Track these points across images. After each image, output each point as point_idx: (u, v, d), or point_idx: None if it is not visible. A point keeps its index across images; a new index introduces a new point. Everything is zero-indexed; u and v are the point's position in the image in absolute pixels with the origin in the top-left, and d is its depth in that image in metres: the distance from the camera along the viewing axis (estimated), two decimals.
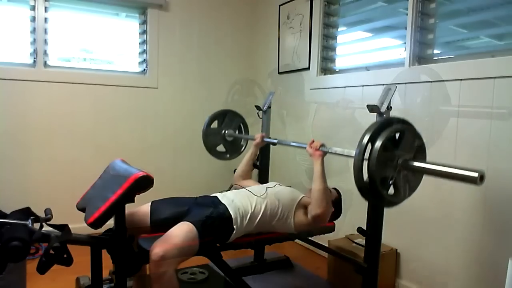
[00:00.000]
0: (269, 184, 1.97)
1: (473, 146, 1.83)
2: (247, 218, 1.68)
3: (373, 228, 1.66)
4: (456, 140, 1.91)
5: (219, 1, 3.39)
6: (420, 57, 2.12)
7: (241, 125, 2.54)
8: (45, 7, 2.73)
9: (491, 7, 1.92)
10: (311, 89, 2.87)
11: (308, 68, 2.88)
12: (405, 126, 1.30)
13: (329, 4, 2.77)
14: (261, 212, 1.72)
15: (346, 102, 2.40)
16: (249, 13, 3.53)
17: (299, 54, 2.98)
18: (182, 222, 1.51)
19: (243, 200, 1.73)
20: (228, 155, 2.53)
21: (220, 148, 2.54)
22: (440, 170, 1.18)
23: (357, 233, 1.76)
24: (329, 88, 2.71)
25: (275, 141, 2.04)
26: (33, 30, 2.72)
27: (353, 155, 1.25)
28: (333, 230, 2.01)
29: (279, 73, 3.23)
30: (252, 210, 1.70)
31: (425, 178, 2.04)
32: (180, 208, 1.69)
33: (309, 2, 2.83)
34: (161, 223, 1.64)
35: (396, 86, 1.55)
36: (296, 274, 2.42)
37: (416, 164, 1.25)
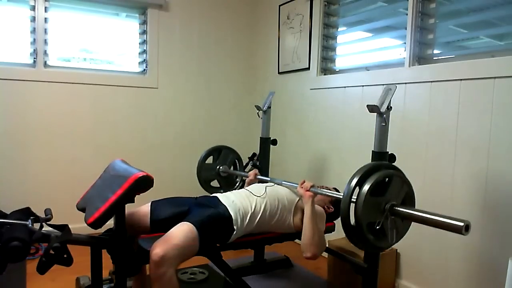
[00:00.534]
0: (268, 183, 1.97)
1: (473, 146, 1.83)
2: (247, 219, 1.68)
3: None
4: (456, 140, 1.91)
5: (219, 1, 3.39)
6: (420, 57, 2.12)
7: (236, 161, 2.55)
8: (45, 7, 2.73)
9: (491, 7, 1.92)
10: (311, 89, 2.88)
11: (308, 68, 2.88)
12: (394, 172, 1.31)
13: (329, 4, 2.77)
14: (261, 212, 1.72)
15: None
16: (249, 13, 3.53)
17: (299, 54, 2.98)
18: (182, 222, 1.51)
19: (243, 200, 1.74)
20: (221, 191, 2.53)
21: (214, 183, 2.54)
22: (427, 218, 1.19)
23: None
24: (329, 88, 2.71)
25: (268, 179, 2.06)
26: (33, 30, 2.72)
27: (341, 196, 1.26)
28: (333, 230, 2.01)
29: (279, 73, 3.23)
30: (252, 210, 1.71)
31: (426, 176, 2.04)
32: (180, 208, 1.69)
33: (309, 2, 2.84)
34: (161, 223, 1.64)
35: (396, 86, 1.55)
36: (296, 274, 2.42)
37: (403, 210, 1.25)
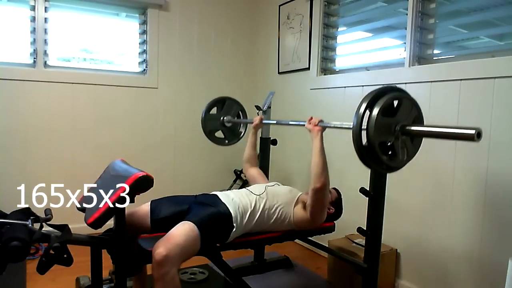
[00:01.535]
0: (269, 183, 1.97)
1: (473, 146, 1.83)
2: (247, 217, 1.68)
3: (373, 228, 1.66)
4: (456, 140, 1.90)
5: (219, 1, 3.39)
6: (420, 57, 2.12)
7: (240, 112, 2.56)
8: (45, 7, 2.73)
9: (491, 7, 1.92)
10: (311, 89, 2.88)
11: (308, 68, 2.88)
12: (401, 94, 1.30)
13: (329, 4, 2.77)
14: (260, 211, 1.73)
15: None
16: (249, 13, 3.53)
17: (299, 54, 2.98)
18: (183, 221, 1.51)
19: (242, 198, 1.74)
20: (226, 141, 2.56)
21: (219, 134, 2.57)
22: (438, 131, 1.20)
23: (357, 233, 1.76)
24: (329, 88, 2.71)
25: (274, 121, 2.06)
26: (33, 30, 2.72)
27: (351, 126, 1.27)
28: (333, 230, 2.01)
29: (279, 73, 3.23)
30: (252, 209, 1.71)
31: (426, 176, 2.04)
32: (180, 207, 1.69)
33: (309, 2, 2.84)
34: (161, 222, 1.64)
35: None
36: (296, 274, 2.42)
37: (413, 128, 1.26)
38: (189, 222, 1.50)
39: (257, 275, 2.34)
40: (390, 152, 1.28)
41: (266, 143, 2.41)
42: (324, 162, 1.68)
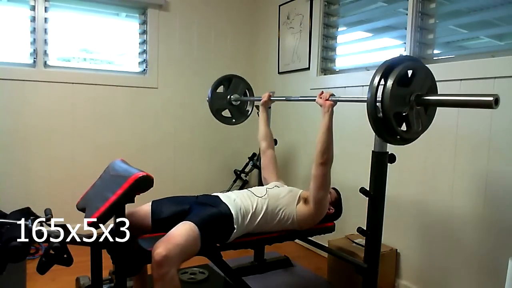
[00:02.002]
0: (269, 185, 1.97)
1: (473, 146, 1.83)
2: (248, 218, 1.68)
3: (373, 228, 1.66)
4: (456, 140, 1.91)
5: (219, 1, 3.39)
6: (420, 57, 2.12)
7: (247, 91, 2.55)
8: (45, 7, 2.73)
9: (491, 7, 1.92)
10: (311, 89, 2.87)
11: (308, 68, 2.88)
12: (416, 64, 1.29)
13: (329, 4, 2.77)
14: (262, 213, 1.72)
15: None
16: (249, 13, 3.53)
17: (299, 54, 2.98)
18: (183, 221, 1.51)
19: (244, 200, 1.74)
20: (234, 120, 2.55)
21: (226, 113, 2.56)
22: (455, 99, 1.19)
23: (357, 233, 1.76)
24: (329, 88, 2.71)
25: (283, 98, 2.05)
26: (33, 30, 2.72)
27: (365, 98, 1.25)
28: (333, 230, 2.01)
29: (279, 73, 3.23)
30: (253, 210, 1.71)
31: (426, 176, 2.04)
32: (181, 207, 1.70)
33: (309, 2, 2.84)
34: (162, 222, 1.64)
35: None
36: (296, 274, 2.42)
37: (429, 97, 1.25)
38: (189, 222, 1.50)
39: (257, 275, 2.34)
40: (404, 123, 1.27)
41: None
42: (330, 140, 1.67)
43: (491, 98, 1.06)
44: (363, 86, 2.43)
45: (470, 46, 2.18)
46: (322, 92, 1.76)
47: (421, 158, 2.07)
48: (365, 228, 1.69)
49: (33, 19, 2.72)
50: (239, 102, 2.53)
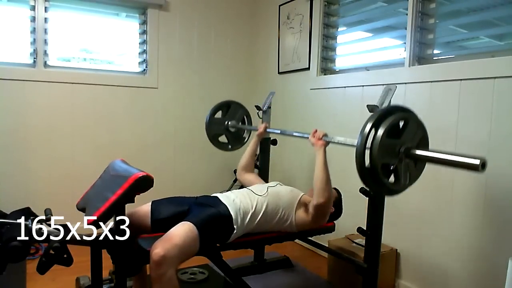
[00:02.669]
0: (271, 183, 1.97)
1: (473, 146, 1.83)
2: (248, 218, 1.68)
3: (373, 228, 1.66)
4: (456, 140, 1.91)
5: (219, 1, 3.39)
6: (420, 57, 2.12)
7: (245, 117, 2.54)
8: (45, 7, 2.73)
9: (491, 7, 1.92)
10: (311, 89, 2.88)
11: (308, 68, 2.88)
12: (408, 115, 1.29)
13: (329, 4, 2.77)
14: (262, 212, 1.72)
15: None
16: (249, 13, 3.53)
17: (299, 54, 2.98)
18: (182, 222, 1.51)
19: (243, 199, 1.73)
20: (230, 146, 2.53)
21: (223, 138, 2.54)
22: (442, 158, 1.18)
23: (357, 233, 1.76)
24: (329, 88, 2.71)
25: (278, 131, 2.06)
26: (33, 30, 2.72)
27: (355, 144, 1.25)
28: (333, 230, 2.01)
29: (279, 73, 3.23)
30: (253, 210, 1.71)
31: (426, 176, 2.04)
32: (181, 207, 1.69)
33: (309, 2, 2.84)
34: (161, 222, 1.64)
35: (396, 86, 1.55)
36: (296, 274, 2.42)
37: (418, 152, 1.24)
38: (188, 222, 1.50)
39: (257, 275, 2.34)
40: (392, 175, 1.26)
41: (266, 143, 2.41)
42: (327, 177, 1.68)
43: (477, 162, 1.06)
44: (363, 86, 2.43)
45: (470, 46, 2.18)
46: (316, 131, 1.77)
47: None
48: (365, 228, 1.69)
49: (33, 19, 2.72)
50: (236, 129, 2.51)
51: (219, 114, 2.50)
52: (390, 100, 1.52)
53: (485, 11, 1.95)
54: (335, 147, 2.60)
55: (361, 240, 2.12)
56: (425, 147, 1.32)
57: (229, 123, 2.49)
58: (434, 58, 2.09)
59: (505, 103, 1.71)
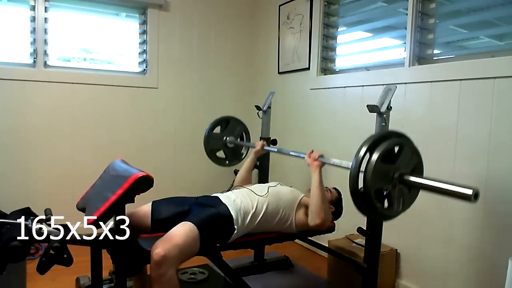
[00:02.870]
0: (271, 183, 1.97)
1: (473, 146, 1.83)
2: (248, 218, 1.68)
3: (373, 228, 1.66)
4: (456, 140, 1.91)
5: (219, 1, 3.39)
6: (420, 57, 2.12)
7: (244, 133, 2.55)
8: (45, 7, 2.73)
9: (491, 7, 1.92)
10: (311, 89, 2.88)
11: (308, 68, 2.88)
12: (403, 140, 1.30)
13: (329, 4, 2.77)
14: (262, 212, 1.72)
15: None
16: (249, 13, 3.53)
17: (299, 54, 2.98)
18: (183, 222, 1.51)
19: (244, 200, 1.73)
20: (227, 162, 2.53)
21: (220, 154, 2.55)
22: (435, 186, 1.18)
23: (357, 233, 1.76)
24: (329, 88, 2.71)
25: (275, 149, 2.08)
26: (33, 30, 2.72)
27: (350, 166, 1.26)
28: (333, 230, 2.01)
29: (279, 73, 3.23)
30: (254, 210, 1.71)
31: (425, 174, 2.04)
32: (181, 208, 1.69)
33: (309, 2, 2.84)
34: (161, 223, 1.64)
35: (396, 86, 1.55)
36: (296, 274, 2.42)
37: (411, 178, 1.25)
38: (188, 222, 1.50)
39: (257, 275, 2.34)
40: (386, 200, 1.26)
41: (266, 143, 2.41)
42: (323, 197, 1.69)
43: (470, 192, 1.07)
44: (363, 86, 2.43)
45: (470, 46, 2.18)
46: (312, 151, 1.77)
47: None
48: (365, 228, 1.69)
49: (33, 19, 2.72)
50: (234, 145, 2.51)
51: (217, 129, 2.51)
52: (390, 101, 1.52)
53: (485, 11, 1.95)
54: (337, 144, 2.61)
55: (361, 240, 2.12)
56: (420, 173, 1.33)
57: (228, 138, 2.50)
58: (434, 58, 2.09)
59: (505, 103, 1.71)
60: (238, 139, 2.53)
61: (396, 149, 1.27)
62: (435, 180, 1.19)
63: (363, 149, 1.22)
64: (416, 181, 1.24)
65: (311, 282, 2.32)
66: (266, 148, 2.16)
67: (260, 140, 2.29)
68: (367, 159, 1.22)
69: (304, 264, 2.55)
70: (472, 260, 1.84)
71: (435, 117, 2.01)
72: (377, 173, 1.21)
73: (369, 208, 1.25)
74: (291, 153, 1.92)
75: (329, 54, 2.80)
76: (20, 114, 2.72)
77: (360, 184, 1.22)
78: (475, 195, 1.07)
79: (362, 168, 1.22)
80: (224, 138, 2.50)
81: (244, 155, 2.55)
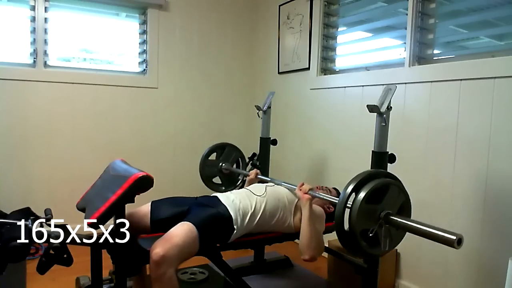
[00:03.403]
0: (268, 183, 1.97)
1: (473, 146, 1.83)
2: (247, 218, 1.68)
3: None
4: (456, 140, 1.91)
5: (219, 1, 3.39)
6: (420, 57, 2.12)
7: (239, 159, 2.56)
8: (45, 7, 2.73)
9: (491, 7, 1.92)
10: (311, 89, 2.88)
11: (308, 68, 2.88)
12: (391, 181, 1.30)
13: (329, 4, 2.77)
14: (261, 212, 1.73)
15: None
16: (249, 13, 3.53)
17: (299, 54, 2.98)
18: (182, 222, 1.51)
19: (243, 200, 1.74)
20: (223, 188, 2.53)
21: (216, 180, 2.56)
22: (420, 228, 1.17)
23: None
24: (329, 88, 2.71)
25: (268, 179, 2.10)
26: (33, 30, 2.72)
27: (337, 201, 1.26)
28: (333, 230, 2.01)
29: (279, 73, 3.23)
30: (252, 210, 1.71)
31: (426, 176, 2.04)
32: (181, 208, 1.69)
33: (309, 2, 2.84)
34: (161, 223, 1.64)
35: (396, 86, 1.55)
36: (296, 274, 2.42)
37: (397, 219, 1.24)
38: (188, 222, 1.50)
39: (257, 275, 2.34)
40: (372, 240, 1.25)
41: (266, 143, 2.41)
42: (312, 232, 1.67)
43: (454, 237, 1.07)
44: (363, 86, 2.43)
45: (470, 46, 2.18)
46: (303, 184, 1.77)
47: (421, 158, 2.07)
48: None
49: (33, 19, 2.72)
50: (229, 171, 2.53)
51: (213, 156, 2.52)
52: (390, 101, 1.52)
53: (485, 11, 1.95)
54: (337, 144, 2.62)
55: None
56: (407, 212, 1.33)
57: (223, 165, 2.51)
58: (434, 58, 2.09)
59: (505, 103, 1.71)
60: (234, 165, 2.55)
61: (384, 188, 1.27)
62: (420, 224, 1.18)
63: (350, 188, 1.23)
64: (402, 221, 1.23)
65: (311, 282, 2.32)
66: (260, 177, 2.17)
67: (253, 169, 2.26)
68: (353, 198, 1.23)
69: (304, 264, 2.55)
70: (472, 260, 1.84)
71: (435, 117, 2.01)
72: (363, 213, 1.21)
73: (355, 247, 1.25)
74: (283, 183, 1.93)
75: (329, 54, 2.80)
76: (20, 114, 2.72)
77: (346, 224, 1.23)
78: (458, 241, 1.07)
79: (349, 204, 1.23)
80: (220, 164, 2.52)
81: (239, 181, 2.56)
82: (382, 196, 1.26)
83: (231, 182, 2.55)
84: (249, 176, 2.21)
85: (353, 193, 1.24)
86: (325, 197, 1.70)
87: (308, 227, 1.67)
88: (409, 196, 1.34)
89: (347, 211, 1.23)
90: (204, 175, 2.49)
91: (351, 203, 1.23)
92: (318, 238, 1.69)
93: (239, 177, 2.56)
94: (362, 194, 1.21)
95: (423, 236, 1.18)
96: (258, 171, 2.23)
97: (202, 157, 2.48)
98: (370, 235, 1.22)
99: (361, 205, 1.20)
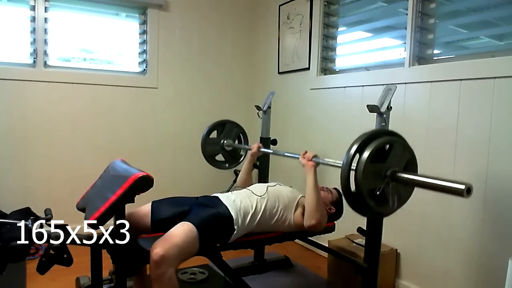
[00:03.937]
0: (270, 183, 1.97)
1: (473, 146, 1.83)
2: (248, 218, 1.68)
3: (373, 228, 1.66)
4: (456, 140, 1.91)
5: (219, 1, 3.39)
6: (420, 57, 2.12)
7: (241, 135, 2.55)
8: (45, 7, 2.73)
9: (491, 7, 1.92)
10: (311, 89, 2.88)
11: (308, 68, 2.88)
12: (394, 138, 1.29)
13: (329, 4, 2.77)
14: (261, 212, 1.73)
15: None
16: (249, 13, 3.53)
17: (299, 54, 2.98)
18: (182, 222, 1.51)
19: (243, 200, 1.74)
20: (227, 165, 2.54)
21: (219, 157, 2.55)
22: (428, 182, 1.17)
23: (357, 233, 1.76)
24: (329, 88, 2.71)
25: (271, 151, 2.10)
26: (33, 30, 2.72)
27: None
28: (333, 230, 2.01)
29: (279, 73, 3.23)
30: (253, 210, 1.71)
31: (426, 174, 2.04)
32: (181, 208, 1.69)
33: (309, 2, 2.84)
34: (161, 223, 1.64)
35: (396, 86, 1.55)
36: (296, 274, 2.42)
37: (403, 175, 1.23)
38: (188, 222, 1.50)
39: (257, 275, 2.34)
40: (380, 198, 1.24)
41: (266, 143, 2.41)
42: (317, 199, 1.68)
43: (463, 187, 1.06)
44: (363, 86, 2.43)
45: (470, 46, 2.18)
46: (306, 152, 1.77)
47: (421, 158, 2.06)
48: (365, 228, 1.69)
49: (33, 19, 2.72)
50: (231, 147, 2.52)
51: (214, 134, 2.51)
52: (390, 101, 1.52)
53: (485, 11, 1.95)
54: (337, 144, 2.61)
55: (361, 240, 2.12)
56: (413, 169, 1.31)
57: (225, 142, 2.50)
58: (434, 58, 2.10)
59: (505, 103, 1.71)
60: (236, 141, 2.54)
61: (387, 146, 1.26)
62: (427, 177, 1.18)
63: (353, 149, 1.21)
64: (408, 177, 1.22)
65: (311, 282, 2.32)
66: (262, 149, 2.17)
67: (260, 141, 2.29)
68: (357, 159, 1.21)
69: (304, 264, 2.55)
70: (472, 260, 1.84)
71: (435, 117, 2.01)
72: (368, 173, 1.20)
73: (363, 207, 1.24)
74: (285, 154, 1.93)
75: (329, 54, 2.80)
76: (20, 114, 2.72)
77: (352, 185, 1.22)
78: (468, 190, 1.06)
79: (354, 166, 1.21)
80: (222, 141, 2.51)
81: (243, 156, 2.55)
82: (386, 155, 1.25)
83: (235, 158, 2.55)
84: (251, 150, 2.21)
85: (357, 154, 1.21)
86: (330, 163, 1.67)
87: (314, 193, 1.68)
88: (414, 153, 1.32)
89: (352, 174, 1.21)
90: (207, 154, 2.48)
91: (355, 165, 1.21)
92: (322, 205, 1.71)
93: (242, 153, 2.55)
94: (366, 154, 1.19)
95: (432, 189, 1.17)
96: (260, 144, 2.23)
97: (203, 136, 2.46)
98: (378, 193, 1.21)
99: (366, 164, 1.18)
